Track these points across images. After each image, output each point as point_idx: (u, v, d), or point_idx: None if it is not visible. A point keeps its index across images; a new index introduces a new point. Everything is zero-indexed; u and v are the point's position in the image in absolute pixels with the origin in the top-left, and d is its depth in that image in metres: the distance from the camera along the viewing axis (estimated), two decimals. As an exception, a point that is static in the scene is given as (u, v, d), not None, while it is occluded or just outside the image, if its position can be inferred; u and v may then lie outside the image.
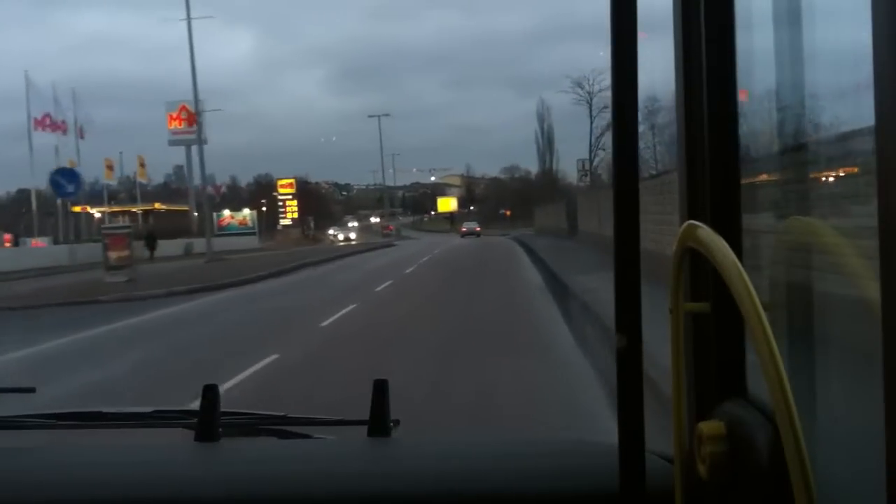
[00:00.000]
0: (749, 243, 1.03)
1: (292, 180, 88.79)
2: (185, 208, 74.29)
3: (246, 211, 74.68)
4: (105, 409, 1.69)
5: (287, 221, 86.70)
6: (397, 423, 1.55)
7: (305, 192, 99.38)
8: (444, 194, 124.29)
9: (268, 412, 1.66)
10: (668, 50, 1.08)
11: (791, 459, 0.71)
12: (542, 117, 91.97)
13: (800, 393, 0.75)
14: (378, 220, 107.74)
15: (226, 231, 69.36)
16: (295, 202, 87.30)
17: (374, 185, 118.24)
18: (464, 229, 72.75)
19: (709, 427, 0.92)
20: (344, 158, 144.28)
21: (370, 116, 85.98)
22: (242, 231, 69.89)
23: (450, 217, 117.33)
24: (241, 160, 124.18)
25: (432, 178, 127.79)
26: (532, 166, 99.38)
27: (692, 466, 0.95)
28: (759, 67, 1.07)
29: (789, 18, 0.99)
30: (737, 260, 0.82)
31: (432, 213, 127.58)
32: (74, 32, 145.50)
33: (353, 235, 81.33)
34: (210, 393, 1.54)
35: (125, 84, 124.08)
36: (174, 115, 67.45)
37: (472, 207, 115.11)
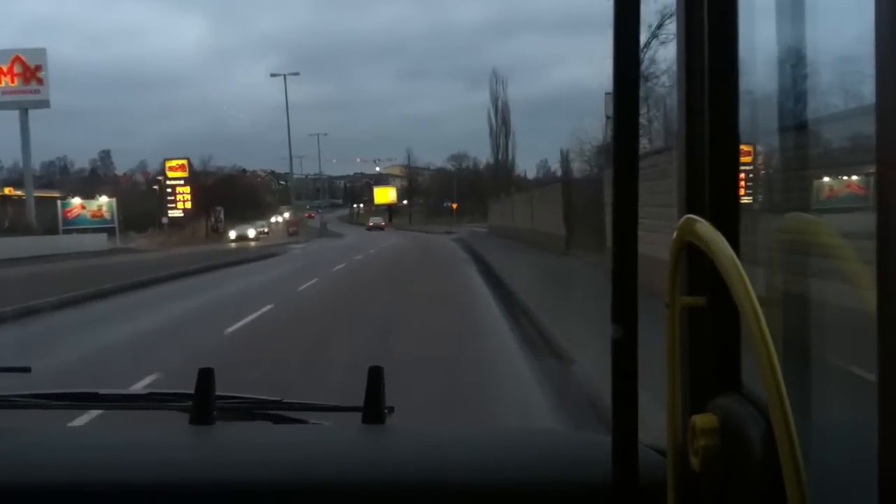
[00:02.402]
0: (747, 238, 1.03)
1: (184, 161, 69.64)
2: (55, 194, 57.11)
3: (102, 199, 56.70)
4: (100, 391, 1.69)
5: (177, 213, 69.03)
6: (392, 410, 1.56)
7: (224, 179, 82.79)
8: (387, 184, 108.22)
9: (263, 397, 1.65)
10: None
11: (783, 454, 0.71)
12: (496, 94, 76.57)
13: (794, 388, 0.76)
14: (288, 215, 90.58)
15: (73, 224, 52.09)
16: (187, 189, 69.58)
17: (314, 174, 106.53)
18: (370, 223, 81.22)
19: (702, 420, 0.92)
20: (287, 147, 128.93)
21: (273, 75, 67.34)
22: (98, 225, 52.71)
23: (388, 209, 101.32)
24: (185, 148, 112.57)
25: (377, 168, 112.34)
26: (482, 155, 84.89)
27: (685, 459, 0.96)
28: (760, 64, 1.07)
29: (792, 16, 0.99)
30: (734, 255, 0.83)
31: (361, 205, 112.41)
32: (18, 17, 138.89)
33: (251, 233, 62.29)
34: (205, 376, 1.53)
35: (72, 69, 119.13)
36: (4, 69, 50.01)
37: (405, 201, 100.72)
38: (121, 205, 56.34)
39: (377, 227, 77.90)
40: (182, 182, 67.94)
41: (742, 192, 1.05)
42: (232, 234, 61.33)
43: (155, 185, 71.03)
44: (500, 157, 78.11)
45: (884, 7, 0.60)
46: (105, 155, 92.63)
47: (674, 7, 1.08)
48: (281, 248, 41.57)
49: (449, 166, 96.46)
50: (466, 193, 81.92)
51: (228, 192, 79.97)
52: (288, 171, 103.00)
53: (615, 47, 0.95)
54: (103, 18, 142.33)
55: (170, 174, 68.21)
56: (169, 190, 67.97)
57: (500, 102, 76.63)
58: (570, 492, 1.20)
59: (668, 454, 1.02)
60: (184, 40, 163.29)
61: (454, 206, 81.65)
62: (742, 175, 1.04)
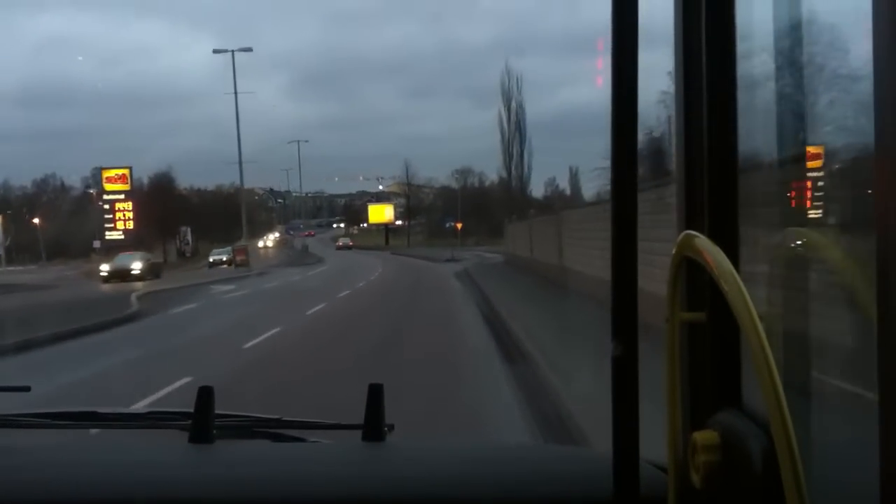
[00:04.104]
0: (746, 253, 1.03)
1: (125, 171, 57.69)
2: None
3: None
4: (100, 410, 1.68)
5: (115, 235, 56.36)
6: (392, 427, 1.54)
7: (199, 195, 70.77)
8: (389, 202, 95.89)
9: (262, 415, 1.64)
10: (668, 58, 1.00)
11: (785, 470, 0.71)
12: (509, 94, 63.75)
13: (794, 403, 0.75)
14: (278, 234, 78.44)
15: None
16: (129, 205, 56.89)
17: (314, 192, 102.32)
18: (339, 243, 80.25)
19: (703, 436, 0.92)
20: (303, 165, 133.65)
21: (216, 51, 53.11)
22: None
23: (385, 229, 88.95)
24: (187, 166, 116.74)
25: (380, 187, 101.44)
26: (490, 171, 73.39)
27: (686, 475, 0.96)
28: (759, 75, 1.08)
29: (790, 29, 1.00)
30: (733, 270, 0.83)
31: (342, 224, 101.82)
32: (30, 35, 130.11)
33: (136, 267, 36.37)
34: (205, 394, 1.52)
35: (82, 87, 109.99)
36: None
37: (399, 222, 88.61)
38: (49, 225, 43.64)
39: (345, 247, 78.45)
40: (122, 196, 55.15)
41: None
42: (104, 268, 36.64)
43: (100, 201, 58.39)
44: (513, 169, 65.38)
45: (882, 16, 0.60)
46: (97, 172, 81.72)
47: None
48: (180, 296, 23.17)
49: (453, 182, 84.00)
50: (472, 212, 69.67)
51: (203, 211, 67.86)
52: (288, 189, 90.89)
53: (613, 61, 0.94)
54: (114, 38, 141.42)
55: (108, 187, 55.22)
56: (107, 206, 55.19)
57: (513, 105, 63.87)
58: None
59: (669, 470, 1.01)
60: (192, 59, 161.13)
61: (458, 225, 68.87)
62: (740, 190, 1.01)
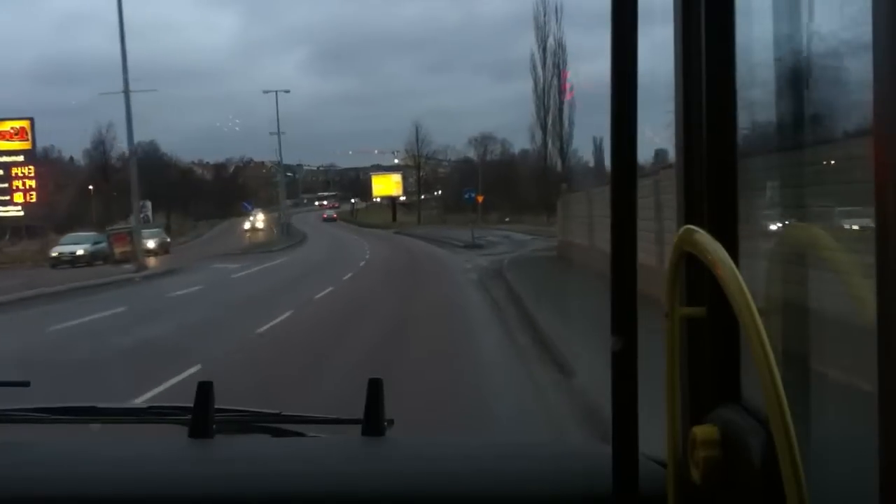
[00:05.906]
0: (746, 248, 1.03)
1: (24, 123, 42.91)
2: None
3: None
4: (99, 404, 1.69)
5: (13, 211, 42.04)
6: (391, 422, 1.54)
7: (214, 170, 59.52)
8: (398, 172, 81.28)
9: (262, 410, 1.64)
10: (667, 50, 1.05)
11: (784, 465, 0.71)
12: (545, 29, 48.42)
13: (794, 399, 0.75)
14: (260, 215, 64.10)
15: None
16: (30, 170, 42.55)
17: (323, 166, 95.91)
18: (324, 215, 77.13)
19: (703, 431, 0.92)
20: (319, 140, 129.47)
21: None
22: None
23: (391, 204, 74.23)
24: (198, 143, 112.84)
25: (395, 161, 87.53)
26: (516, 140, 59.09)
27: (685, 470, 0.96)
28: (759, 70, 1.07)
29: (789, 26, 1.00)
30: (733, 265, 0.82)
31: (324, 200, 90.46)
32: (47, 11, 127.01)
33: None
34: (204, 389, 1.52)
35: (95, 63, 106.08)
36: None
37: (402, 199, 75.53)
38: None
39: (330, 220, 74.47)
40: (21, 159, 40.47)
41: (740, 201, 1.01)
42: None
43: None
44: (549, 126, 50.10)
45: (882, 9, 0.59)
46: (99, 144, 68.52)
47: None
48: None
49: (471, 152, 68.74)
50: (494, 185, 57.26)
51: (200, 186, 55.17)
52: (300, 163, 78.49)
53: (613, 51, 0.93)
54: (136, 13, 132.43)
55: (1, 146, 40.77)
56: (1, 172, 40.59)
57: (550, 42, 48.59)
58: (570, 503, 1.20)
59: (669, 465, 1.01)
60: (211, 35, 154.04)
61: (480, 198, 53.89)
62: (740, 184, 1.00)
